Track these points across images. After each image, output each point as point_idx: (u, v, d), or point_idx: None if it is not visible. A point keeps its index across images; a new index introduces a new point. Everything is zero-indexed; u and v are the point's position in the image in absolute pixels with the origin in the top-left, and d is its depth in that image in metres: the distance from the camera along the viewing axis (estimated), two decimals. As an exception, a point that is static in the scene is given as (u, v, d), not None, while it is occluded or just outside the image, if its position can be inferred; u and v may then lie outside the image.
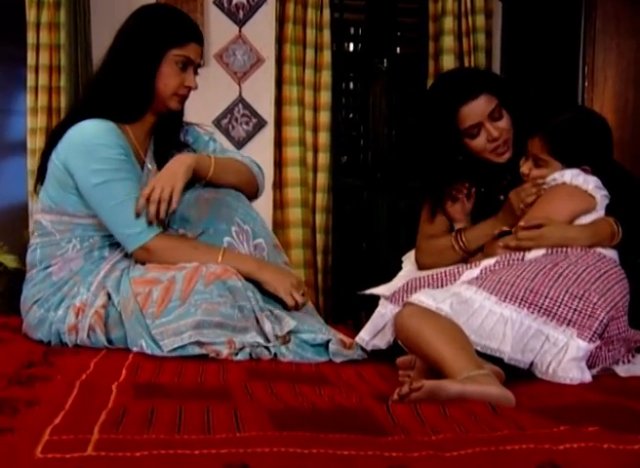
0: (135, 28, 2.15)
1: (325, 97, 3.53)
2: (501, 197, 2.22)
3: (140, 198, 2.01)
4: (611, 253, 1.95)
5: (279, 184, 3.51)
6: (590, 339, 1.73)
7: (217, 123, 3.51)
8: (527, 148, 2.07)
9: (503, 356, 1.72)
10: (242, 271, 2.02)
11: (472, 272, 1.91)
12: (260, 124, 3.56)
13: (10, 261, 3.36)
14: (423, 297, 1.78)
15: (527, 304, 1.75)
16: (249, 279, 2.02)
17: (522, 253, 1.92)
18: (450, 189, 2.26)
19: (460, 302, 1.77)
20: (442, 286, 1.91)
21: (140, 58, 2.10)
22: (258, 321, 1.98)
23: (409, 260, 2.41)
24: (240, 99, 3.55)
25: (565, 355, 1.71)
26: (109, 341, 2.02)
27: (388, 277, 2.32)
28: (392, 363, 1.84)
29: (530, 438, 1.12)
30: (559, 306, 1.75)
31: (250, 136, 3.56)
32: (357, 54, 3.88)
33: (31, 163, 3.30)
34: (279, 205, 3.51)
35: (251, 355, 1.93)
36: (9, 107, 3.69)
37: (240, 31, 3.55)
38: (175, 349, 1.89)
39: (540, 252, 1.91)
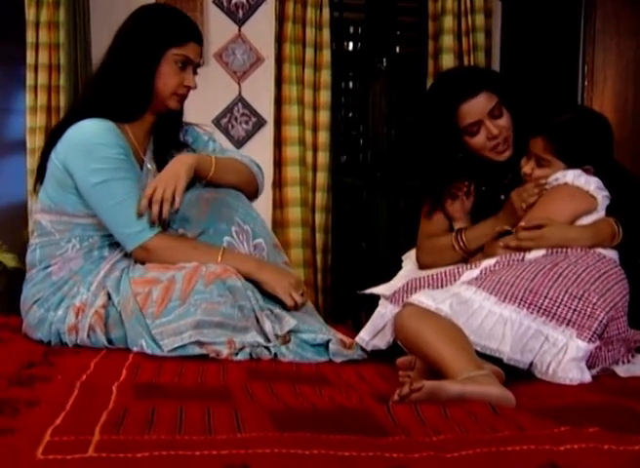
0: (134, 28, 2.14)
1: (324, 96, 3.53)
2: (502, 196, 2.21)
3: (143, 199, 2.00)
4: (611, 254, 1.95)
5: (279, 184, 3.51)
6: (590, 340, 1.73)
7: (216, 122, 3.51)
8: (529, 148, 2.06)
9: (503, 356, 1.72)
10: (241, 271, 2.02)
11: (472, 272, 1.91)
12: (260, 123, 3.56)
13: (9, 260, 3.36)
14: (423, 298, 1.79)
15: (526, 304, 1.76)
16: (248, 279, 2.03)
17: (522, 254, 1.92)
18: (450, 188, 2.26)
19: (460, 303, 1.77)
20: (442, 286, 1.91)
21: (140, 58, 2.10)
22: (258, 320, 1.98)
23: (409, 260, 2.41)
24: (240, 99, 3.55)
25: (564, 355, 1.72)
26: (109, 341, 2.02)
27: (388, 276, 2.32)
28: (392, 363, 1.84)
29: (530, 439, 1.12)
30: (559, 306, 1.75)
31: (249, 136, 3.56)
32: (357, 53, 3.89)
33: (31, 162, 3.31)
34: (279, 204, 3.51)
35: (251, 355, 1.93)
36: (8, 106, 3.69)
37: (240, 30, 3.55)
38: (175, 349, 1.89)
39: (541, 252, 1.91)
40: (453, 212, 2.27)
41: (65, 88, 3.29)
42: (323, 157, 3.54)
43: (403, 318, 1.76)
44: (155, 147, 2.23)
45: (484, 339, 1.73)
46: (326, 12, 3.51)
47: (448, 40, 3.51)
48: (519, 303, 1.76)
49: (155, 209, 1.99)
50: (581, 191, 1.98)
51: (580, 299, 1.76)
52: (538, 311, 1.75)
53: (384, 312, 1.97)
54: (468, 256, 2.18)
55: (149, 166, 2.19)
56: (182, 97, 2.18)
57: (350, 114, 3.98)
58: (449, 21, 3.51)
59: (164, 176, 2.02)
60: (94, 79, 2.22)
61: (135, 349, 1.95)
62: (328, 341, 2.01)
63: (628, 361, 1.88)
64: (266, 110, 3.53)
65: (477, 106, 2.15)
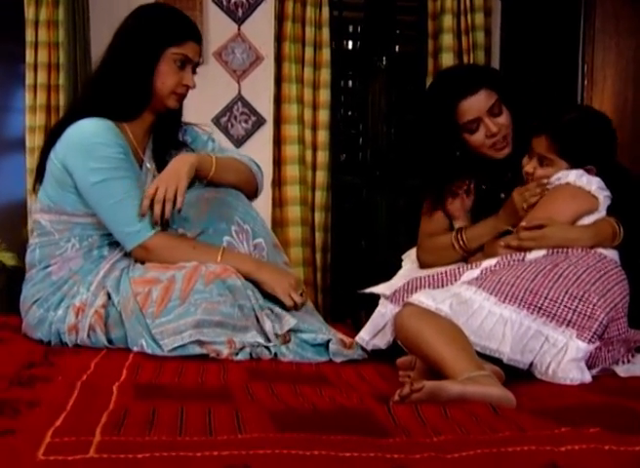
0: (133, 27, 2.14)
1: (324, 95, 3.53)
2: (502, 195, 2.21)
3: (145, 199, 2.00)
4: (611, 254, 1.94)
5: (278, 182, 3.51)
6: (590, 340, 1.73)
7: (216, 121, 3.51)
8: (531, 147, 2.06)
9: (503, 356, 1.72)
10: (241, 271, 2.01)
11: (473, 272, 1.91)
12: (260, 122, 3.56)
13: (8, 259, 3.36)
14: (423, 298, 1.79)
15: (526, 305, 1.75)
16: (248, 279, 2.02)
17: (523, 254, 1.92)
18: (450, 186, 2.26)
19: (460, 303, 1.77)
20: (442, 286, 1.91)
21: (139, 57, 2.09)
22: (258, 320, 1.98)
23: (409, 259, 2.40)
24: (239, 98, 3.55)
25: (564, 356, 1.72)
26: (109, 341, 2.02)
27: (388, 275, 2.32)
28: (392, 363, 1.84)
29: (531, 439, 1.12)
30: (559, 307, 1.75)
31: (249, 135, 3.56)
32: (356, 52, 3.88)
33: (30, 161, 3.30)
34: (278, 203, 3.51)
35: (251, 355, 1.93)
36: (7, 105, 3.69)
37: (239, 29, 3.54)
38: (175, 348, 1.89)
39: (541, 252, 1.91)
40: (453, 210, 2.27)
41: (65, 87, 3.29)
42: (322, 156, 3.54)
43: (403, 318, 1.76)
44: (154, 146, 2.23)
45: (484, 340, 1.73)
46: (325, 11, 3.51)
47: (447, 39, 3.50)
48: (519, 304, 1.76)
49: (157, 209, 1.99)
50: (583, 191, 1.97)
51: (580, 300, 1.76)
52: (538, 311, 1.75)
53: (385, 312, 1.97)
54: (468, 256, 2.18)
55: (148, 165, 2.19)
56: (181, 97, 2.18)
57: (350, 113, 3.98)
58: (448, 20, 3.51)
59: (165, 176, 2.02)
60: (93, 78, 2.23)
61: (135, 349, 1.95)
62: (328, 341, 2.01)
63: (628, 361, 1.88)
64: (266, 109, 3.53)
65: (477, 103, 2.15)
